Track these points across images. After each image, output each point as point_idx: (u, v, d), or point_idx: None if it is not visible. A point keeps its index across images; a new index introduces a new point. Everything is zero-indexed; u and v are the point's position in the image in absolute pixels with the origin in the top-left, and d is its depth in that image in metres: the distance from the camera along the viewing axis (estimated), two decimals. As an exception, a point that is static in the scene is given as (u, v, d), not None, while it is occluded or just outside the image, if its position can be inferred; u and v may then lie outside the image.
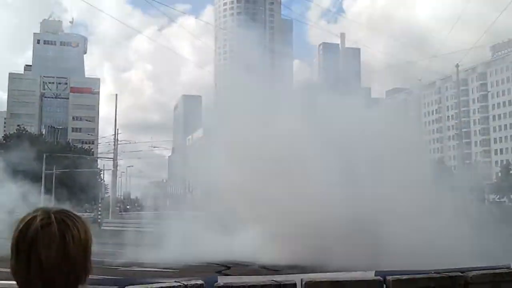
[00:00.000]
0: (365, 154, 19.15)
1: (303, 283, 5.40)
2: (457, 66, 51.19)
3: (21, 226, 1.36)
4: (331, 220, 16.58)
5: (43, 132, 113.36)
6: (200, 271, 14.38)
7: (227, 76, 37.29)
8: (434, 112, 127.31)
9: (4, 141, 74.16)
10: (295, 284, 5.39)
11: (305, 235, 16.10)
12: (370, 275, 6.02)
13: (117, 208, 55.55)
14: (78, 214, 1.46)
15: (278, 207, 17.67)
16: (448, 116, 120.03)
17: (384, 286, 5.59)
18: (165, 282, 5.55)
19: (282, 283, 5.39)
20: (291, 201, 17.42)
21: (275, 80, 25.11)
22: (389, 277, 5.61)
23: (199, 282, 5.38)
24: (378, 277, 5.65)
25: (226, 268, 15.78)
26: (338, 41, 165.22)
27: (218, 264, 16.40)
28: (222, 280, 5.98)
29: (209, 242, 18.72)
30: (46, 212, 1.38)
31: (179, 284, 5.31)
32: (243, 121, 21.88)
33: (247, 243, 17.73)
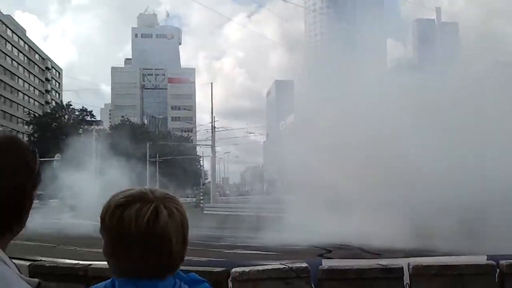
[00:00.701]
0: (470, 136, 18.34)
1: (410, 267, 5.26)
2: None
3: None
4: (434, 202, 16.02)
5: (145, 122, 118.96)
6: (303, 253, 14.47)
7: (319, 59, 36.95)
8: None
9: (110, 132, 78.98)
10: (401, 268, 5.26)
11: (407, 218, 15.73)
12: (481, 259, 5.74)
13: (217, 193, 57.23)
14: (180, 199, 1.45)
15: (380, 191, 17.39)
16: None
17: (498, 270, 5.30)
18: (270, 264, 5.63)
19: (388, 267, 5.28)
20: (392, 186, 17.09)
21: (366, 61, 24.50)
22: (502, 262, 5.31)
23: (304, 265, 5.40)
24: (491, 261, 5.36)
25: (327, 251, 15.76)
26: (434, 16, 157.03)
27: (319, 247, 16.41)
28: (326, 263, 5.98)
29: (311, 225, 18.79)
30: (152, 199, 1.36)
31: (283, 266, 5.37)
32: (336, 108, 21.76)
33: (350, 227, 17.58)
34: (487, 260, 5.57)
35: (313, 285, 5.27)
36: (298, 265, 5.42)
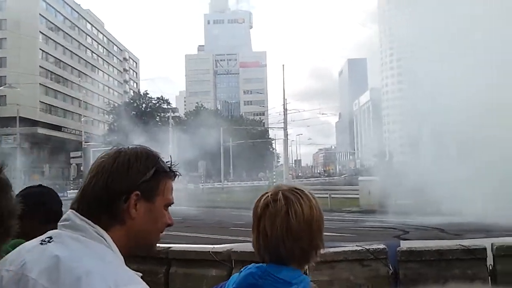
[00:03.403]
0: None
1: (494, 247, 5.05)
2: None
3: (256, 202, 1.51)
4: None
5: (218, 107, 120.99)
6: (379, 235, 14.30)
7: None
8: None
9: (185, 118, 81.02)
10: (485, 249, 5.05)
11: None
12: None
13: (290, 175, 57.35)
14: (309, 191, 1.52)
15: None
16: None
17: None
18: (347, 246, 5.60)
19: (470, 248, 5.08)
20: None
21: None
22: None
23: (381, 246, 5.32)
24: None
25: (404, 232, 15.47)
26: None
27: (396, 229, 16.15)
28: (404, 244, 5.86)
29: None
30: (276, 189, 1.50)
31: (361, 248, 5.31)
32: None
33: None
34: None
35: (390, 267, 5.19)
36: (375, 246, 5.34)
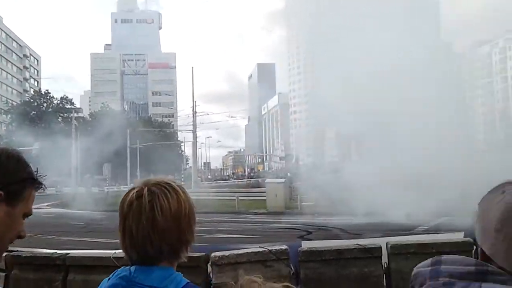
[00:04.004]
0: None
1: (389, 246, 5.28)
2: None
3: (121, 199, 1.41)
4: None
5: (125, 109, 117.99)
6: (283, 236, 14.57)
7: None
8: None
9: (90, 119, 78.15)
10: (380, 248, 5.27)
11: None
12: (459, 236, 5.80)
13: (199, 178, 57.13)
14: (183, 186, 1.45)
15: None
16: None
17: (474, 247, 5.35)
18: (249, 248, 5.61)
19: (367, 247, 5.29)
20: None
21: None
22: (479, 239, 5.36)
23: (283, 247, 5.40)
24: (468, 239, 5.41)
25: (307, 233, 15.89)
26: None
27: (299, 230, 16.54)
28: (305, 244, 5.98)
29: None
30: (142, 185, 1.40)
31: (263, 249, 5.35)
32: None
33: None
34: (464, 237, 5.62)
35: (292, 267, 5.27)
36: (277, 247, 5.41)
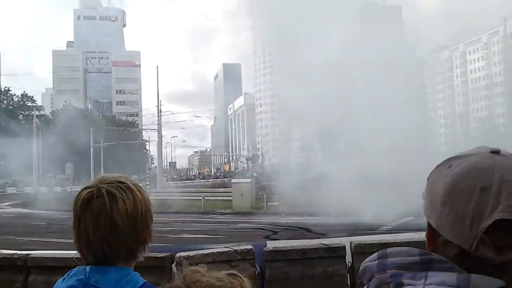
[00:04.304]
0: None
1: (352, 245, 5.36)
2: (504, 19, 49.15)
3: (75, 199, 1.37)
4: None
5: (89, 107, 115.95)
6: (248, 236, 14.59)
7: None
8: (481, 68, 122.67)
9: (52, 117, 76.44)
10: (344, 247, 5.35)
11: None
12: (421, 236, 5.93)
13: (164, 178, 56.61)
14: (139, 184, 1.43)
15: None
16: (496, 73, 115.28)
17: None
18: (215, 248, 5.61)
19: (331, 246, 5.36)
20: None
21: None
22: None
23: (248, 247, 5.41)
24: (428, 238, 5.55)
25: (273, 233, 15.96)
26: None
27: (265, 230, 16.60)
28: (271, 244, 6.01)
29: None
30: (98, 183, 1.37)
31: (229, 249, 5.35)
32: None
33: None
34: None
35: (257, 267, 5.29)
36: (243, 247, 5.42)
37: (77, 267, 1.38)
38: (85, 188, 1.37)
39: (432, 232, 0.96)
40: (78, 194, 1.37)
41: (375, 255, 0.97)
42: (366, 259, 0.99)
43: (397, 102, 20.76)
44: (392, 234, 7.01)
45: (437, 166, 0.99)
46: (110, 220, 1.31)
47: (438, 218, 0.93)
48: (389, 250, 0.96)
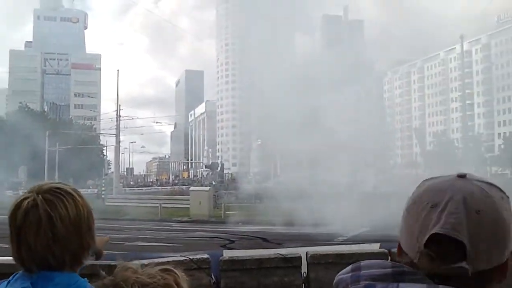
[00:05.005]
0: None
1: (308, 256, 5.39)
2: (461, 37, 50.88)
3: (12, 209, 1.32)
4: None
5: (45, 109, 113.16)
6: (205, 245, 14.51)
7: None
8: (438, 84, 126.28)
9: (6, 119, 74.20)
10: (300, 257, 5.37)
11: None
12: (375, 247, 6.03)
13: (121, 184, 55.67)
14: (77, 189, 1.40)
15: None
16: (452, 88, 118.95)
17: (389, 258, 5.58)
18: (171, 256, 5.55)
19: (287, 257, 5.37)
20: None
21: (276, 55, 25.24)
22: (393, 250, 5.60)
23: (205, 256, 5.36)
24: (383, 249, 5.64)
25: (230, 242, 15.91)
26: (341, 13, 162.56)
27: (222, 238, 16.53)
28: (227, 253, 5.98)
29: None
30: (35, 193, 1.33)
31: (184, 258, 5.29)
32: None
33: None
34: (380, 248, 5.85)
35: (213, 276, 5.25)
36: (199, 256, 5.37)
37: (21, 272, 1.33)
38: (23, 199, 1.33)
39: (399, 242, 1.02)
40: (16, 205, 1.32)
41: (349, 267, 1.01)
42: (340, 272, 1.02)
43: (358, 113, 21.17)
44: (347, 245, 7.11)
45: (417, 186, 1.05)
46: (52, 228, 1.27)
47: (400, 230, 1.00)
48: (363, 262, 1.00)
